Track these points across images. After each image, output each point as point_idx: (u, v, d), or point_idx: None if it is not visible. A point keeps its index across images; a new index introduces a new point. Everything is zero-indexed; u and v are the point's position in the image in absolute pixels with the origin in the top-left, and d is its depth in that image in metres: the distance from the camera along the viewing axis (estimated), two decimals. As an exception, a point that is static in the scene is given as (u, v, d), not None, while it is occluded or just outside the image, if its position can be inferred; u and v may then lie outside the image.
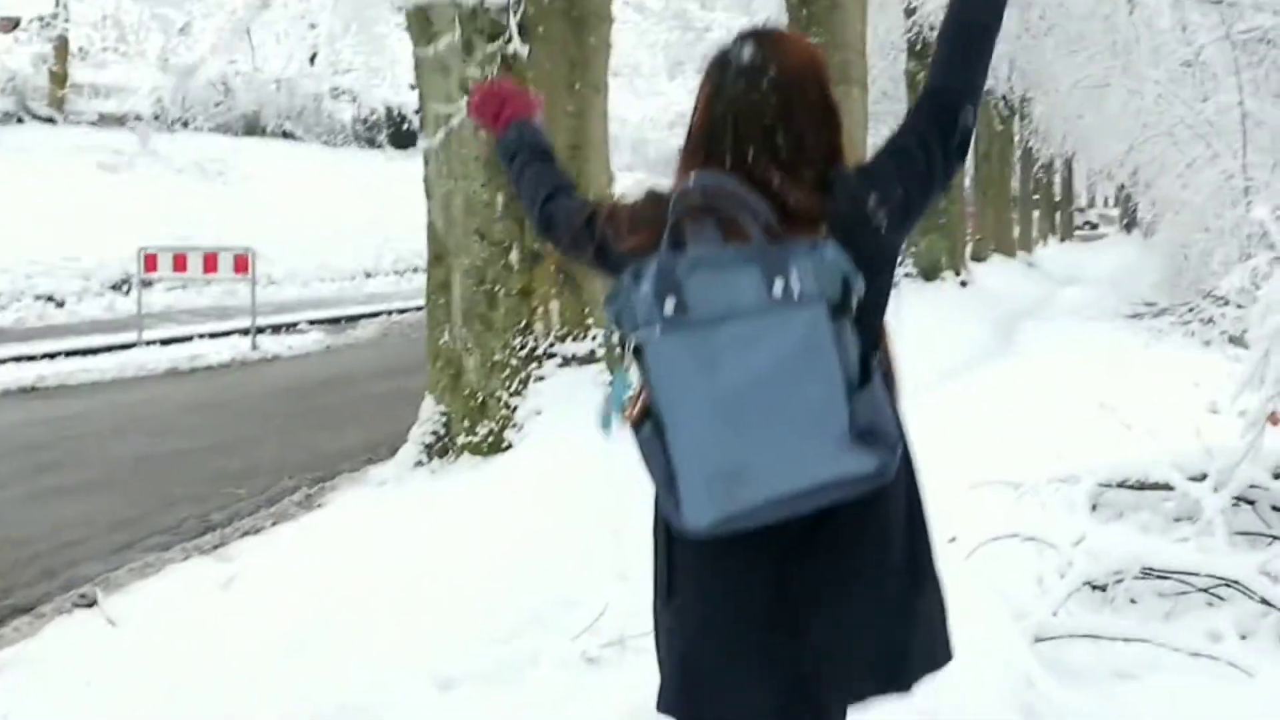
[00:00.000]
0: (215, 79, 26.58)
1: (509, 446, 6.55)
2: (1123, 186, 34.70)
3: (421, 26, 6.65)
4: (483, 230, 6.61)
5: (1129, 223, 58.97)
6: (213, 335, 14.65)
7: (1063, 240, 48.08)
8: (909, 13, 18.57)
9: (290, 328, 16.05)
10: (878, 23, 16.77)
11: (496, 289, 6.63)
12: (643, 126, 44.70)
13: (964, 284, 19.91)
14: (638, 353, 2.10)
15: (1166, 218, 24.67)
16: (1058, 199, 49.67)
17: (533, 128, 2.65)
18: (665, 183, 2.30)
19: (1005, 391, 10.25)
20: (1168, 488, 6.04)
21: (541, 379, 6.68)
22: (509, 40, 6.42)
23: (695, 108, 2.30)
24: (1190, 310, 15.79)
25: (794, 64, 2.20)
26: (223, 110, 26.70)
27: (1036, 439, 8.21)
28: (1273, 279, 5.58)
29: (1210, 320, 14.70)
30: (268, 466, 8.08)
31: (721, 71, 2.23)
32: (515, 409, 6.61)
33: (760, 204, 2.04)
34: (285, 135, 27.22)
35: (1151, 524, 5.99)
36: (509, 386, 6.63)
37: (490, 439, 6.62)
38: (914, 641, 2.27)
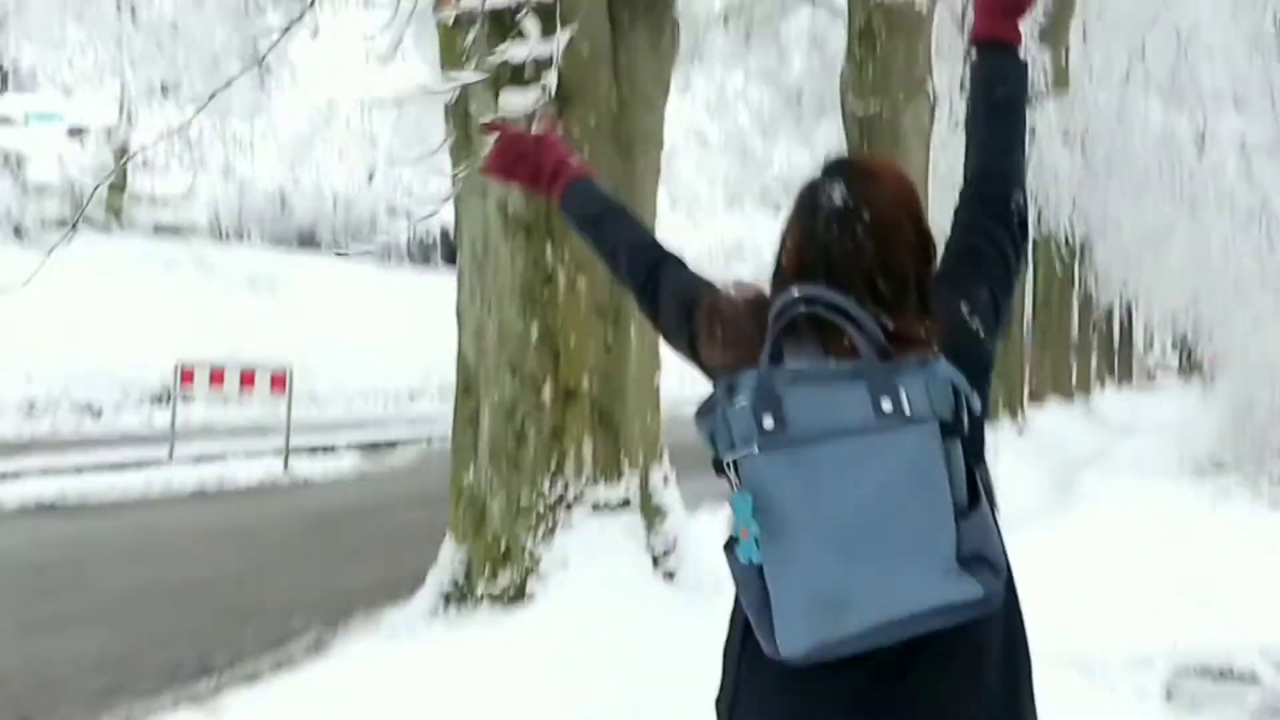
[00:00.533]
0: (273, 192, 26.71)
1: (531, 599, 6.04)
2: (1184, 336, 34.12)
3: (461, 144, 6.31)
4: (514, 363, 6.18)
5: (1188, 371, 58.22)
6: (247, 455, 14.29)
7: (1120, 385, 47.27)
8: (971, 152, 18.24)
9: (327, 450, 15.66)
10: (938, 160, 16.43)
11: (526, 427, 6.18)
12: (699, 257, 44.65)
13: (1020, 430, 19.31)
14: (733, 470, 1.92)
15: (1229, 369, 24.10)
16: (1116, 344, 48.98)
17: (597, 183, 2.55)
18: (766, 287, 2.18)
19: (1067, 553, 9.63)
20: (1253, 678, 5.46)
21: (570, 526, 6.18)
22: (552, 164, 6.07)
23: (782, 246, 2.19)
24: (1260, 469, 15.13)
25: (888, 203, 2.07)
26: (278, 224, 26.79)
27: (1104, 610, 7.61)
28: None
29: (1280, 480, 14.06)
30: (280, 603, 7.62)
31: (811, 214, 2.09)
32: (540, 558, 6.11)
33: (870, 320, 1.92)
34: (339, 252, 27.28)
35: (1233, 717, 5.40)
36: (535, 533, 6.14)
37: (512, 590, 6.12)
38: None
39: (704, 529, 7.67)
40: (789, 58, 26.56)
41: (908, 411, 1.83)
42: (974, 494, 1.88)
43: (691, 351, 2.25)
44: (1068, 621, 7.15)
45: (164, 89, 24.47)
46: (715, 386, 1.98)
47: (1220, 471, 16.80)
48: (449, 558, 6.40)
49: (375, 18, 6.10)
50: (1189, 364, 57.71)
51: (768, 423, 1.87)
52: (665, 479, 6.78)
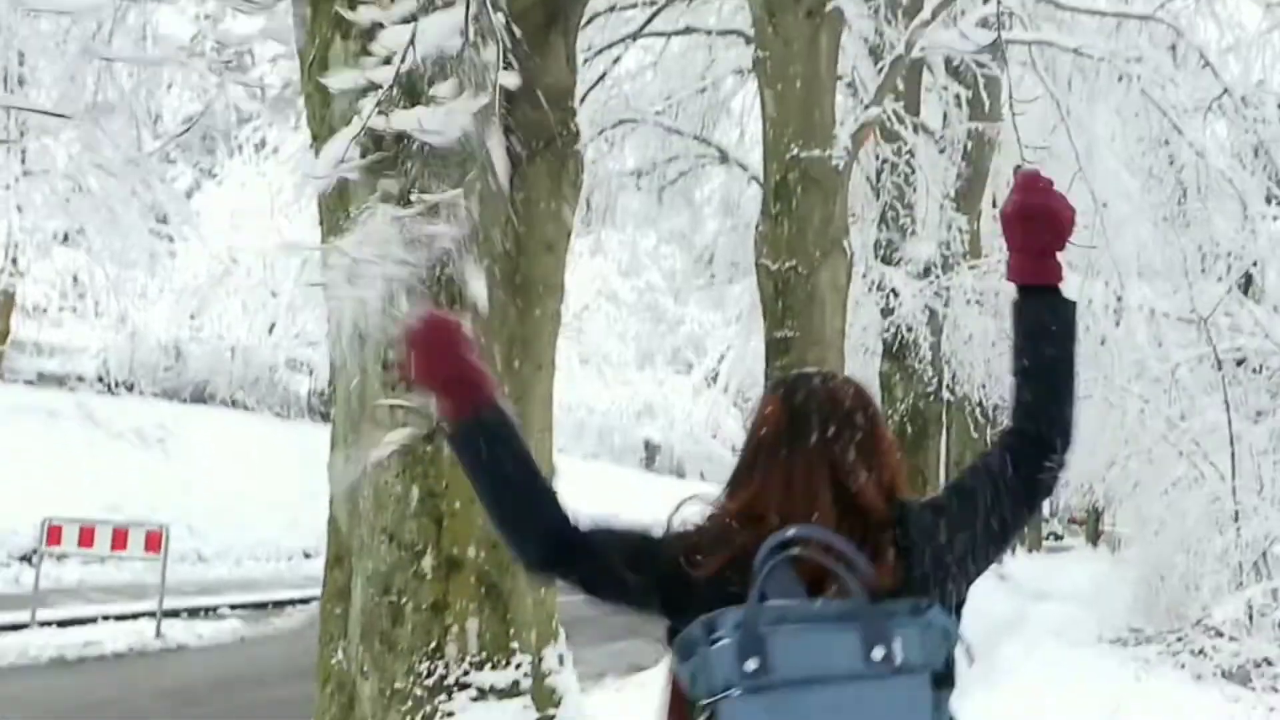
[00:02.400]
0: (168, 343, 25.87)
1: (405, 802, 5.29)
2: (1093, 504, 34.07)
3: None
4: (392, 530, 5.49)
5: (1095, 537, 58.37)
6: (119, 617, 13.33)
7: (1030, 551, 47.06)
8: (885, 313, 18.03)
9: (209, 612, 14.72)
10: (853, 320, 16.17)
11: (403, 601, 5.47)
12: (610, 415, 44.20)
13: (935, 596, 18.76)
14: (711, 715, 1.85)
15: (1142, 537, 23.89)
16: (1025, 509, 48.95)
17: (506, 411, 2.28)
18: (707, 491, 2.26)
19: (996, 732, 9.05)
20: None
21: (450, 715, 5.45)
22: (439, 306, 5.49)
23: (756, 425, 2.23)
24: (1179, 639, 14.69)
25: (855, 389, 2.27)
26: (171, 376, 25.90)
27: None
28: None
29: (1202, 652, 13.59)
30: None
31: (788, 387, 2.24)
32: (416, 752, 5.37)
33: (863, 561, 1.90)
34: (235, 404, 26.33)
35: None
36: (410, 723, 5.41)
37: (382, 789, 5.37)
38: None
39: (606, 713, 6.98)
40: (701, 219, 26.55)
41: (898, 661, 1.80)
42: None
43: (661, 601, 2.09)
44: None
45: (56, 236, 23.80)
46: (692, 626, 1.91)
47: (1139, 640, 16.38)
48: (313, 750, 5.65)
49: (279, 167, 5.61)
50: (1096, 531, 58.02)
51: (750, 665, 1.80)
52: (560, 659, 6.09)
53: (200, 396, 26.06)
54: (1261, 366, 18.18)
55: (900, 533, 2.03)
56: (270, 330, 27.22)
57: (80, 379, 24.40)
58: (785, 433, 2.13)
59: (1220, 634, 13.26)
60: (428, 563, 5.48)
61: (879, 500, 2.07)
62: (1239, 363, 17.39)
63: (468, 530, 5.54)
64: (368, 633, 5.51)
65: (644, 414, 45.86)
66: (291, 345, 27.08)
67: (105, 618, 13.18)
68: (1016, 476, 2.13)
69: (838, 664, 1.80)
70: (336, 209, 5.66)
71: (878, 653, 1.80)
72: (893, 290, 17.82)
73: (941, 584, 2.03)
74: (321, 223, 5.86)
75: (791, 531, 1.91)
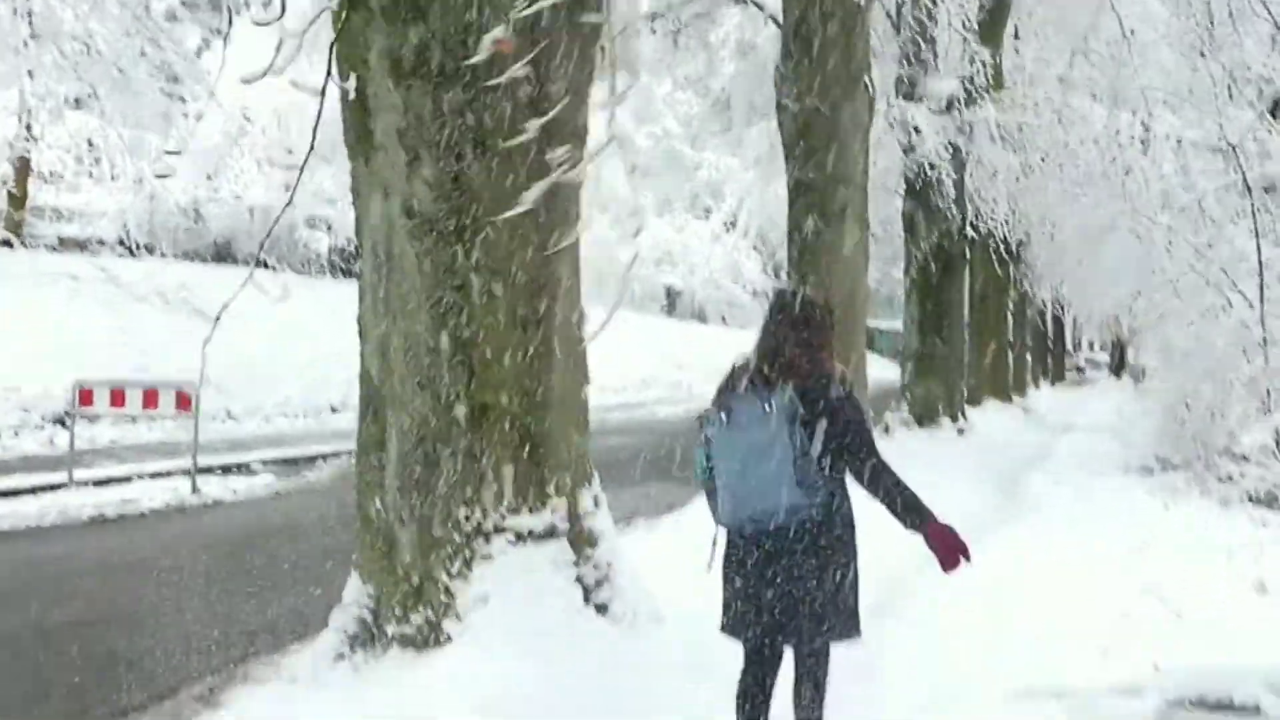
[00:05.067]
0: (187, 205, 25.76)
1: (448, 641, 5.37)
2: (1116, 335, 34.05)
3: (360, 137, 5.63)
4: (424, 380, 5.50)
5: (1118, 368, 58.51)
6: (154, 475, 13.47)
7: (1054, 384, 47.24)
8: (907, 151, 17.79)
9: (241, 468, 14.86)
10: (875, 159, 15.96)
11: (439, 450, 5.50)
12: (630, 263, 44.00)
13: (961, 431, 18.87)
14: (708, 440, 4.53)
15: (1166, 367, 23.85)
16: (1050, 343, 48.96)
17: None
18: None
19: (1025, 565, 9.10)
20: (1255, 710, 4.91)
21: (489, 558, 5.51)
22: (460, 157, 5.40)
23: (764, 321, 4.67)
24: (1206, 467, 14.73)
25: (808, 306, 4.63)
26: (192, 237, 25.82)
27: (1073, 627, 7.07)
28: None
29: (1229, 478, 13.64)
30: (173, 646, 6.90)
31: (776, 302, 4.67)
32: (457, 595, 5.44)
33: (773, 373, 4.45)
34: (258, 264, 26.18)
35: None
36: (450, 567, 5.47)
37: (426, 630, 5.45)
38: (832, 618, 4.45)
39: (639, 553, 7.06)
40: (718, 62, 26.13)
41: (775, 410, 4.29)
42: (805, 450, 4.26)
43: None
44: (1042, 646, 6.61)
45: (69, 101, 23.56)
46: (709, 409, 4.59)
47: (1166, 469, 16.45)
48: (355, 595, 5.73)
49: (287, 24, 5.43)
50: (1120, 363, 58.12)
51: (724, 416, 4.46)
52: (595, 501, 6.13)
53: (221, 256, 26.01)
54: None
55: (806, 384, 4.37)
56: (288, 189, 27.01)
57: (101, 242, 24.39)
58: (770, 325, 4.59)
59: (1246, 460, 13.27)
60: (460, 411, 5.49)
61: (804, 364, 4.42)
62: (1267, 189, 17.12)
63: (499, 378, 5.54)
64: (405, 482, 5.55)
65: (664, 261, 45.70)
66: (310, 203, 26.91)
67: (140, 476, 13.30)
68: (839, 467, 4.39)
69: (754, 412, 4.33)
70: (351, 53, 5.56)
71: (765, 407, 4.30)
72: (915, 128, 17.55)
73: (809, 407, 4.30)
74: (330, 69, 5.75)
75: (751, 364, 4.54)
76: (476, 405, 5.52)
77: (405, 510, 5.55)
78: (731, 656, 5.55)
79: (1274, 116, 16.47)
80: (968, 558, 4.21)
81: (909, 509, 4.24)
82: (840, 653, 5.50)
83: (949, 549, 4.22)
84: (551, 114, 5.55)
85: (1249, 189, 15.99)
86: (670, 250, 45.58)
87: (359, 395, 5.91)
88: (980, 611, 7.65)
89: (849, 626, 4.49)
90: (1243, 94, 17.72)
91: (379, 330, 5.65)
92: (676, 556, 5.74)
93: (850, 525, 4.46)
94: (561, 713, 4.96)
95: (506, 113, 5.49)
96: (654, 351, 34.43)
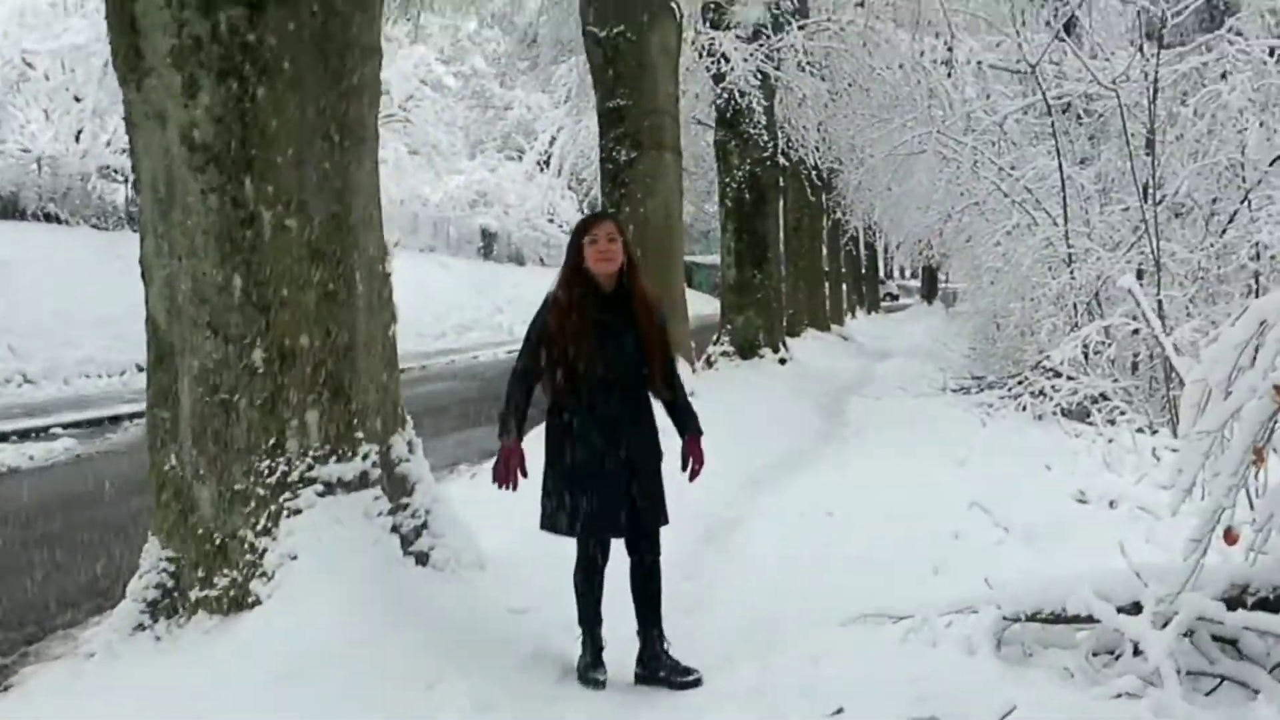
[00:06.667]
0: (-34, 158, 24.28)
1: (256, 603, 5.02)
2: (927, 261, 34.74)
3: (129, 60, 5.14)
4: (216, 323, 5.09)
5: (929, 294, 59.95)
6: (-58, 446, 12.65)
7: (869, 312, 48.14)
8: (717, 79, 17.63)
9: (39, 433, 14.05)
10: (685, 88, 15.77)
11: (236, 398, 5.11)
12: (444, 206, 43.23)
13: (783, 361, 18.93)
14: None
15: (976, 288, 24.39)
16: (864, 271, 49.81)
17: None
18: None
19: (851, 488, 9.10)
20: (1089, 619, 4.86)
21: (298, 512, 5.16)
22: (243, 80, 4.98)
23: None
24: (1020, 383, 15.02)
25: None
26: (-26, 192, 24.35)
27: (903, 548, 7.03)
28: (1214, 358, 4.44)
29: (1042, 393, 13.92)
30: (-42, 625, 6.37)
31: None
32: (264, 552, 5.08)
33: None
34: (48, 218, 24.87)
35: (1074, 666, 4.79)
36: (255, 524, 5.11)
37: (232, 593, 5.09)
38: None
39: (461, 496, 6.78)
40: (522, -1, 25.65)
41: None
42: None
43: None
44: (873, 569, 6.54)
45: None
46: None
47: (981, 388, 16.78)
48: (154, 560, 5.32)
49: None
50: (931, 288, 59.55)
51: None
52: (410, 446, 5.82)
53: (8, 211, 24.58)
54: (1084, 112, 18.36)
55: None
56: (77, 138, 25.64)
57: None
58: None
59: (1059, 374, 13.51)
60: (258, 356, 5.11)
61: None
62: (1064, 110, 17.47)
63: (298, 319, 5.17)
64: (200, 434, 5.15)
65: (479, 203, 44.99)
66: (103, 153, 25.58)
67: (-71, 447, 12.50)
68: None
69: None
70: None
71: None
72: (723, 55, 17.38)
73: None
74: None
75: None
76: (275, 349, 5.14)
77: (203, 465, 5.16)
78: (555, 599, 5.35)
79: (1068, 34, 16.74)
80: (505, 480, 4.96)
81: (502, 420, 5.03)
82: (671, 586, 5.39)
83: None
84: (341, 32, 5.18)
85: (1049, 109, 16.28)
86: (484, 191, 44.87)
87: (147, 344, 5.45)
88: (810, 538, 7.58)
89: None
90: (1039, 15, 18.04)
91: (164, 272, 5.21)
92: (500, 503, 5.48)
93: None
94: (381, 670, 4.66)
95: (292, 31, 5.08)
96: (473, 295, 33.89)
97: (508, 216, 45.44)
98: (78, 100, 25.80)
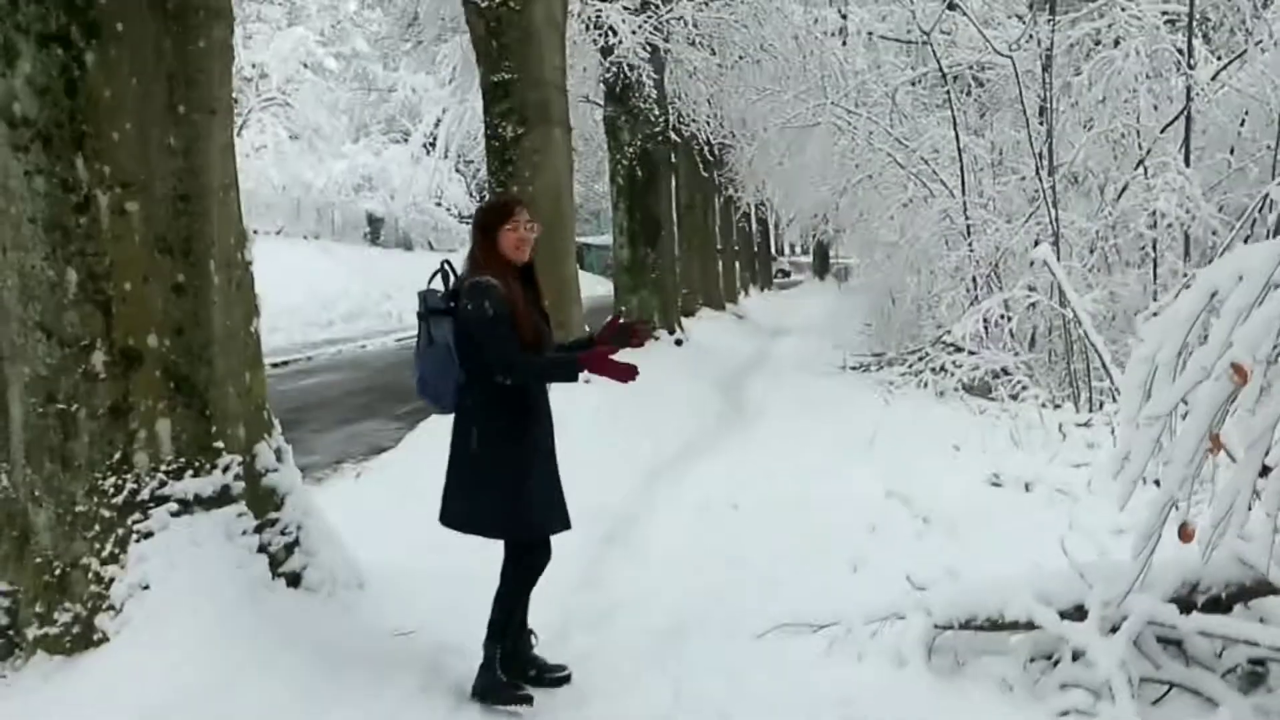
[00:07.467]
0: None
1: (104, 640, 4.43)
2: (818, 234, 34.58)
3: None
4: (49, 324, 4.46)
5: (821, 270, 60.03)
6: None
7: (763, 290, 47.95)
8: (605, 52, 17.10)
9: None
10: (573, 62, 15.23)
11: (74, 409, 4.49)
12: (328, 191, 42.12)
13: (679, 342, 18.52)
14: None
15: (867, 263, 24.22)
16: (756, 248, 49.60)
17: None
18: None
19: (760, 475, 8.67)
20: (1029, 625, 4.45)
21: (149, 535, 4.56)
22: (69, 44, 4.36)
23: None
24: (921, 359, 14.77)
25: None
26: None
27: (819, 541, 6.60)
28: (1160, 333, 4.03)
29: (943, 369, 13.65)
30: None
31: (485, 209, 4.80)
32: (111, 582, 4.48)
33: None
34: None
35: (1012, 677, 4.38)
36: (100, 550, 4.51)
37: (76, 629, 4.49)
38: None
39: (343, 501, 6.24)
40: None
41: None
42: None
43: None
44: (788, 567, 6.11)
45: None
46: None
47: (881, 365, 16.52)
48: (-14, 594, 4.69)
49: None
50: (823, 265, 59.69)
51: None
52: (279, 453, 5.23)
53: None
54: (974, 80, 18.22)
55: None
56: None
57: None
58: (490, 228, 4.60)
59: (959, 349, 13.28)
60: (99, 359, 4.50)
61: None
62: (953, 80, 17.26)
63: (143, 316, 4.56)
64: (34, 451, 4.54)
65: (363, 187, 43.92)
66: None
67: None
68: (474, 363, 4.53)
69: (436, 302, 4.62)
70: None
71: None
72: (611, 28, 16.84)
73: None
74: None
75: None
76: (118, 351, 4.53)
77: (39, 485, 4.54)
78: (445, 618, 4.88)
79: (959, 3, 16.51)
80: (635, 372, 4.32)
81: (557, 367, 4.59)
82: (569, 595, 4.96)
83: (616, 369, 4.35)
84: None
85: (944, 77, 16.05)
86: (369, 175, 43.79)
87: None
88: (716, 535, 7.14)
89: None
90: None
91: (-14, 268, 4.56)
92: (384, 503, 4.95)
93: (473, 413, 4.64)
94: (251, 712, 4.11)
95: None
96: (360, 281, 33.00)
97: (394, 201, 44.43)
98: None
